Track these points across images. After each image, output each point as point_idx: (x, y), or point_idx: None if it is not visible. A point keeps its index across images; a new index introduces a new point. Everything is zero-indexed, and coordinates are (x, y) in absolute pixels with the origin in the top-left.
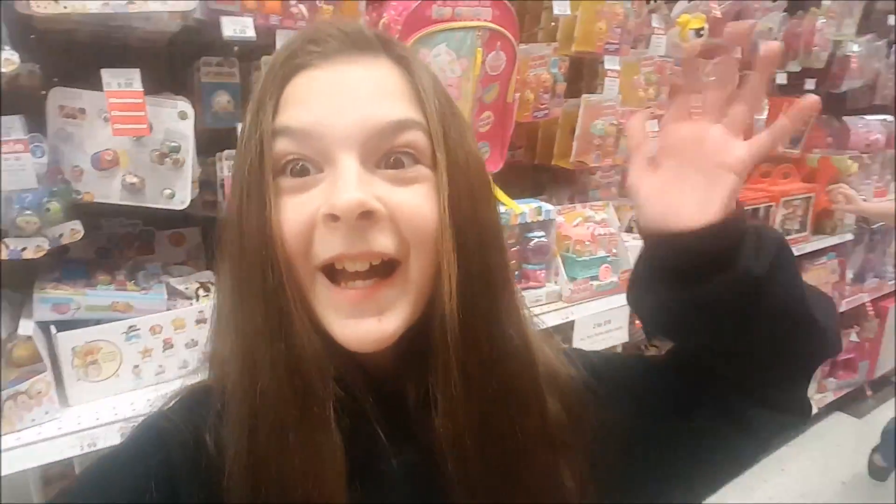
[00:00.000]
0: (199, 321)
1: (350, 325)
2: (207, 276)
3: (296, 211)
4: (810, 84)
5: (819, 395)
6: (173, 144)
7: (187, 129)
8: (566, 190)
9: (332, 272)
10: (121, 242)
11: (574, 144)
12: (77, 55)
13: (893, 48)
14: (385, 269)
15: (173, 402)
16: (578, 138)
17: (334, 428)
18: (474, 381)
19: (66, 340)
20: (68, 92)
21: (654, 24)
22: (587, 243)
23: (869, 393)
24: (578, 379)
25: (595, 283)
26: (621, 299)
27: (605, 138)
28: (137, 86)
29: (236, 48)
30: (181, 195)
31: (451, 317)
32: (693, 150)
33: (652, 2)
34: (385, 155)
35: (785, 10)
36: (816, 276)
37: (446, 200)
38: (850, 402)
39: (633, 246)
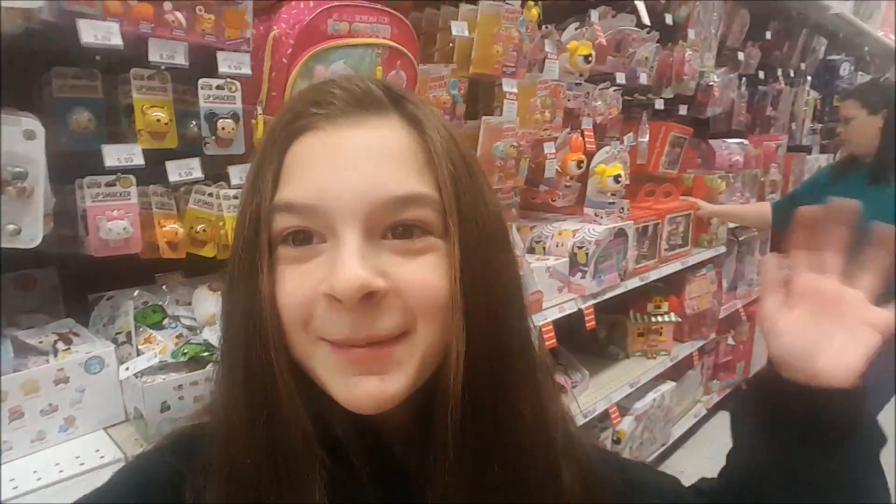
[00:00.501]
0: (59, 381)
1: (352, 385)
2: (68, 324)
3: (296, 283)
4: (683, 110)
5: (706, 396)
6: (18, 170)
7: (35, 151)
8: None
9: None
10: None
11: None
12: None
13: (743, 80)
14: (391, 340)
15: (164, 439)
16: (480, 160)
17: (319, 499)
18: (472, 461)
19: None
20: None
21: (547, 48)
22: None
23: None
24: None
25: None
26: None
27: (506, 160)
28: None
29: (98, 57)
30: (30, 231)
31: (454, 396)
32: (833, 304)
33: (544, 27)
34: (392, 226)
35: (658, 42)
36: (699, 287)
37: (458, 274)
38: (731, 401)
39: (538, 267)
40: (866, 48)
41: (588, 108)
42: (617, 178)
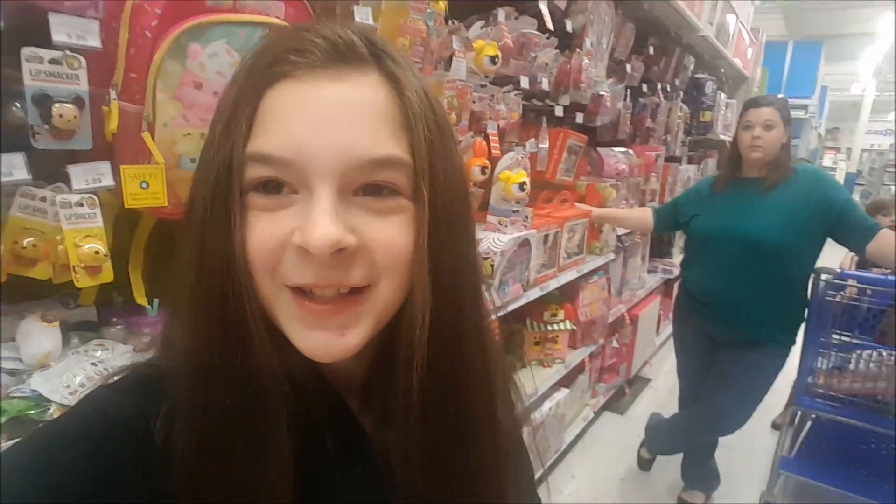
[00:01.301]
0: None
1: (313, 337)
2: None
3: (265, 231)
4: (580, 117)
5: (593, 399)
6: None
7: None
8: None
9: (298, 290)
10: None
11: None
12: None
13: (628, 91)
14: (353, 291)
15: (120, 381)
16: None
17: (284, 444)
18: (433, 407)
19: None
20: None
21: (455, 45)
22: None
23: (627, 391)
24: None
25: None
26: None
27: None
28: None
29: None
30: None
31: (420, 347)
32: None
33: (451, 22)
34: (364, 184)
35: (556, 48)
36: (591, 293)
37: (426, 235)
38: (615, 402)
39: None
40: (723, 70)
41: (492, 111)
42: (522, 186)
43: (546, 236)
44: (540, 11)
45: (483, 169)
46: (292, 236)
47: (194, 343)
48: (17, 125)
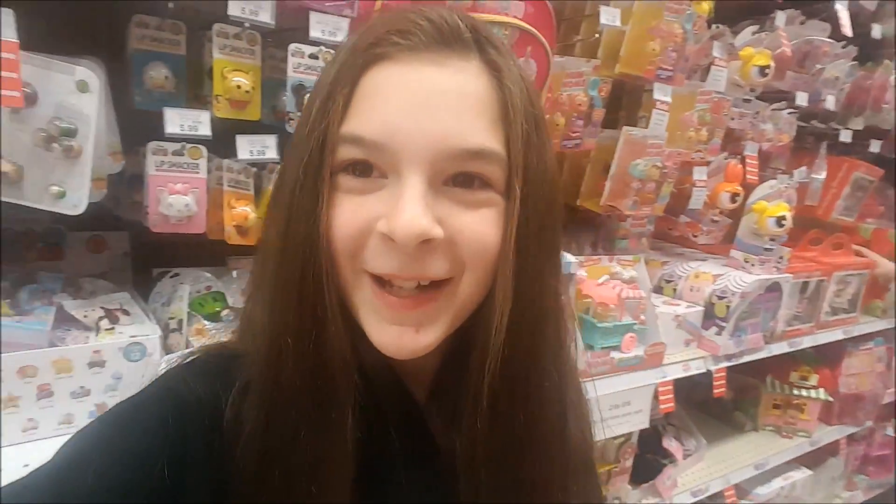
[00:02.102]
0: (93, 364)
1: (388, 332)
2: (121, 299)
3: (352, 213)
4: (875, 146)
5: (847, 493)
6: (66, 126)
7: (88, 106)
8: (588, 234)
9: (379, 278)
10: (17, 243)
11: (607, 185)
12: None
13: None
14: (434, 285)
15: (193, 362)
16: (613, 178)
17: (349, 433)
18: (503, 414)
19: None
20: None
21: (716, 53)
22: (612, 307)
23: None
24: None
25: (616, 355)
26: (646, 377)
27: (644, 182)
28: (10, 33)
29: (170, 4)
30: (74, 196)
31: (494, 350)
32: None
33: (714, 27)
34: (455, 174)
35: (855, 59)
36: (861, 363)
37: (514, 232)
38: None
39: (664, 313)
40: None
41: (754, 130)
42: (780, 221)
43: (805, 284)
44: (835, 14)
45: (734, 196)
46: (377, 223)
47: (271, 322)
48: (283, 112)
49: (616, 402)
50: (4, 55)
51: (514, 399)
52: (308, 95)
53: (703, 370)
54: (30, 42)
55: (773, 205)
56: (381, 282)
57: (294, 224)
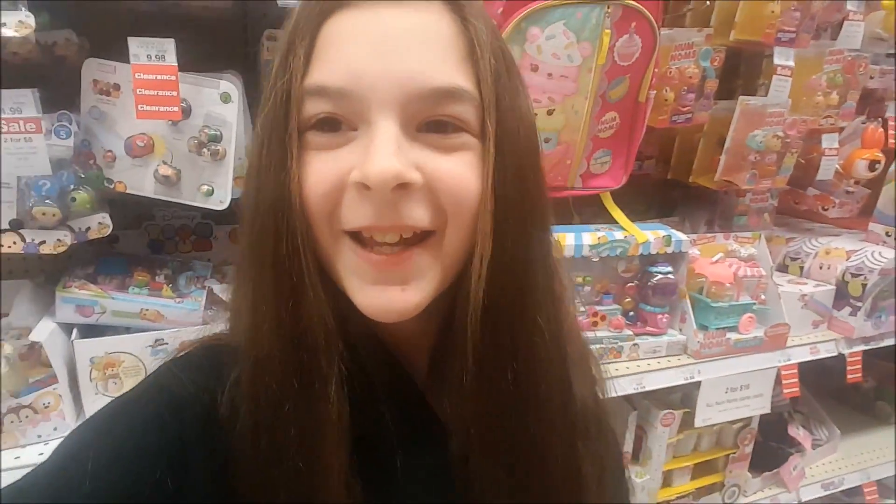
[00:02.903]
0: None
1: (373, 293)
2: None
3: (323, 170)
4: None
5: None
6: (213, 132)
7: (230, 114)
8: (703, 212)
9: (359, 236)
10: (176, 235)
11: (722, 159)
12: (128, 25)
13: None
14: (417, 238)
15: (186, 357)
16: (729, 152)
17: (335, 402)
18: (489, 367)
19: (85, 349)
20: (103, 64)
21: (849, 6)
22: (727, 286)
23: None
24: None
25: (733, 336)
26: (767, 360)
27: (764, 154)
28: (171, 59)
29: None
30: (220, 193)
31: (474, 299)
32: None
33: None
34: (427, 119)
35: None
36: None
37: (491, 173)
38: None
39: (789, 292)
40: None
41: None
42: None
43: None
44: None
45: (872, 164)
46: (351, 174)
47: (252, 292)
48: None
49: (733, 384)
50: (167, 77)
51: (500, 353)
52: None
53: (835, 353)
54: (183, 63)
55: None
56: (362, 240)
57: (264, 186)
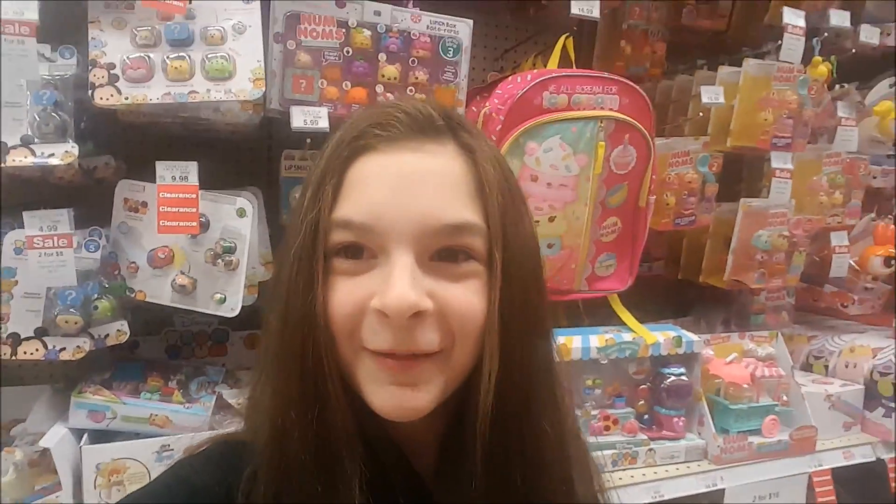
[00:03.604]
0: None
1: (388, 392)
2: None
3: (347, 293)
4: None
5: None
6: (228, 244)
7: (244, 227)
8: (720, 312)
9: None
10: (193, 341)
11: (729, 259)
12: (163, 148)
13: None
14: (427, 354)
15: (203, 452)
16: (735, 252)
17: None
18: (499, 475)
19: (92, 455)
20: (133, 184)
21: (841, 113)
22: (745, 387)
23: None
24: None
25: (756, 440)
26: (795, 465)
27: (771, 253)
28: (193, 179)
29: (309, 140)
30: (232, 301)
31: (483, 410)
32: None
33: (838, 87)
34: (440, 249)
35: None
36: None
37: (497, 299)
38: None
39: (813, 393)
40: None
41: None
42: None
43: None
44: None
45: (887, 260)
46: (371, 300)
47: (274, 401)
48: None
49: (760, 492)
50: (188, 196)
51: (509, 459)
52: (300, 188)
53: (872, 458)
54: (209, 180)
55: None
56: (379, 354)
57: (292, 305)
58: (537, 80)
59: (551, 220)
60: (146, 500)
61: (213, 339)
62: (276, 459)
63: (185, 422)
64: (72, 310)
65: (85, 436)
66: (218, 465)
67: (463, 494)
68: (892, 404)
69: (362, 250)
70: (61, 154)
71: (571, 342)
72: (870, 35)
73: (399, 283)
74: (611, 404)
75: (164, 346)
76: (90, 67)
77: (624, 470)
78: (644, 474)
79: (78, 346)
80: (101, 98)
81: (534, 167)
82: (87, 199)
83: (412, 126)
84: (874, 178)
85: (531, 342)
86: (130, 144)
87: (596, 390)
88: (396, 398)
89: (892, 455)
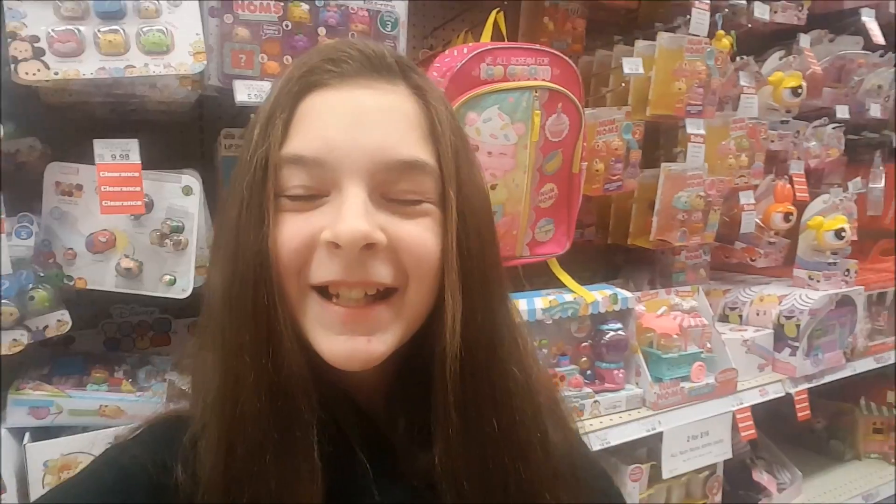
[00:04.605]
0: None
1: (339, 343)
2: None
3: (295, 229)
4: None
5: None
6: (175, 224)
7: (192, 205)
8: (645, 273)
9: (325, 291)
10: (133, 332)
11: (654, 221)
12: (90, 130)
13: None
14: (380, 295)
15: (135, 435)
16: (659, 213)
17: (315, 454)
18: (474, 418)
19: (38, 453)
20: (65, 167)
21: (743, 82)
22: (675, 337)
23: None
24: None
25: (686, 385)
26: (721, 405)
27: (690, 213)
28: (135, 157)
29: (252, 116)
30: (182, 282)
31: (451, 354)
32: None
33: (739, 59)
34: (392, 189)
35: None
36: None
37: (454, 238)
38: None
39: (732, 339)
40: None
41: (798, 149)
42: (839, 234)
43: (881, 296)
44: (864, 26)
45: (787, 216)
46: (321, 234)
47: (225, 347)
48: None
49: (693, 432)
50: (131, 175)
51: (481, 404)
52: (249, 122)
53: (782, 394)
54: (144, 163)
55: (829, 219)
56: (327, 294)
57: (242, 243)
58: (474, 53)
59: (493, 188)
60: (75, 489)
61: (155, 329)
62: (228, 410)
63: (138, 411)
64: (5, 301)
65: (27, 434)
66: (151, 443)
67: (442, 451)
68: (796, 344)
69: (314, 197)
70: None
71: (518, 305)
72: (762, 11)
73: (351, 213)
74: (556, 363)
75: (101, 339)
76: (9, 41)
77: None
78: (591, 424)
79: (14, 339)
80: (27, 73)
81: (475, 137)
82: (8, 184)
83: (364, 63)
84: (772, 142)
85: (490, 286)
86: (53, 127)
87: (543, 350)
88: (349, 348)
89: (797, 388)
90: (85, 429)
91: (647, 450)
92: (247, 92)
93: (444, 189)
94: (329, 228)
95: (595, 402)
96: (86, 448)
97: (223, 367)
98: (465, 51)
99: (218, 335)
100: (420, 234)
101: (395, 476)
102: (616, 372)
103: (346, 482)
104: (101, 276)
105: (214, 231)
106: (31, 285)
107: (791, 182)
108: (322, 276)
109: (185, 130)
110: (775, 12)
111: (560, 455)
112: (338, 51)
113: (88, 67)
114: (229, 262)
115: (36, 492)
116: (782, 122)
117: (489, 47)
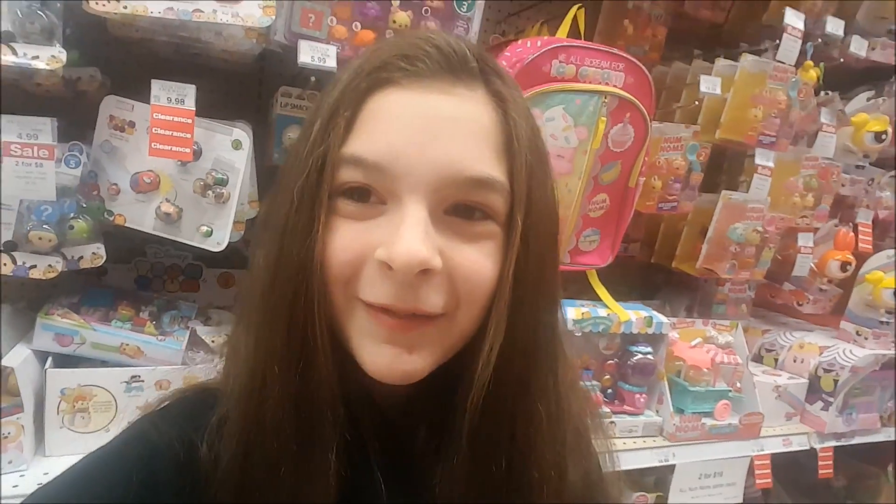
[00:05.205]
0: None
1: (382, 352)
2: None
3: (348, 240)
4: None
5: None
6: (219, 176)
7: (239, 160)
8: (684, 298)
9: (372, 304)
10: (164, 274)
11: (703, 248)
12: (151, 68)
13: None
14: (427, 316)
15: (165, 407)
16: (710, 241)
17: (332, 471)
18: (484, 453)
19: (58, 379)
20: (121, 102)
21: (824, 119)
22: (705, 371)
23: None
24: None
25: (708, 421)
26: (741, 448)
27: (744, 246)
28: (190, 104)
29: (313, 78)
30: (219, 235)
31: (479, 384)
32: None
33: (823, 93)
34: (456, 203)
35: None
36: None
37: (512, 265)
38: None
39: (763, 382)
40: None
41: (870, 198)
42: (880, 137)
43: None
44: None
45: (844, 265)
46: (375, 250)
47: (256, 349)
48: None
49: (707, 471)
50: (184, 120)
51: (497, 440)
52: (307, 116)
53: (807, 447)
54: (199, 109)
55: (889, 276)
56: (375, 308)
57: (288, 247)
58: (548, 48)
59: None
60: (101, 464)
61: (186, 274)
62: (250, 414)
63: (157, 354)
64: (45, 226)
65: (49, 359)
66: (181, 418)
67: (445, 474)
68: (831, 399)
69: (370, 194)
70: (47, 58)
71: None
72: (859, 47)
73: (409, 236)
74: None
75: (133, 276)
76: None
77: None
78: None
79: (50, 266)
80: (97, 3)
81: None
82: (65, 112)
83: (443, 64)
84: (843, 185)
85: (539, 317)
86: (116, 60)
87: None
88: (390, 358)
89: (823, 445)
90: (104, 363)
91: (656, 479)
92: (311, 53)
93: (512, 212)
94: (384, 247)
95: (611, 422)
96: (103, 383)
97: (251, 367)
98: (538, 44)
99: (251, 331)
100: (478, 261)
101: (409, 490)
102: (638, 396)
103: (360, 494)
104: (140, 217)
105: (260, 221)
106: (72, 214)
107: (855, 230)
108: (371, 297)
109: (244, 82)
110: (873, 48)
111: (575, 493)
112: (414, 46)
113: (157, 6)
114: (271, 264)
115: (51, 418)
116: (858, 166)
117: (564, 44)
